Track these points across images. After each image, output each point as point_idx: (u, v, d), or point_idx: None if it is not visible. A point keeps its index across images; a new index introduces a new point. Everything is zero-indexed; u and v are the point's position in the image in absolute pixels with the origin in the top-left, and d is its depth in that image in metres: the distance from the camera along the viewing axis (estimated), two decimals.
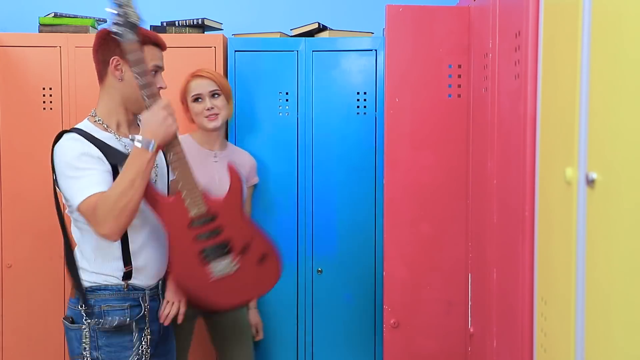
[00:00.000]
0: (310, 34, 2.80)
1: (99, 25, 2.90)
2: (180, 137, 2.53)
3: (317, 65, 2.73)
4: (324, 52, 2.73)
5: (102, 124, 1.93)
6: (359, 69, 2.72)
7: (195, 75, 2.50)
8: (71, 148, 1.86)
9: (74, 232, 1.97)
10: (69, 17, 2.82)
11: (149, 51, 1.94)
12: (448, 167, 2.24)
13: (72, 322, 1.90)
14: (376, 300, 2.73)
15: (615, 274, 1.00)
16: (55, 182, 1.95)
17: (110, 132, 1.92)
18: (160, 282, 2.00)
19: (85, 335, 1.87)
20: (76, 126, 1.94)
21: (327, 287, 2.76)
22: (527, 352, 1.52)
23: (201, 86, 2.48)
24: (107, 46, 1.93)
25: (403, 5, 2.23)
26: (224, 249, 1.95)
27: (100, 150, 1.86)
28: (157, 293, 1.99)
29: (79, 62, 2.70)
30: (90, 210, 1.77)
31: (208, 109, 2.45)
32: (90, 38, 2.73)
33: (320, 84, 2.72)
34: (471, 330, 2.17)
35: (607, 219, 1.04)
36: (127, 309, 1.90)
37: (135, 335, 1.91)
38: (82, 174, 1.81)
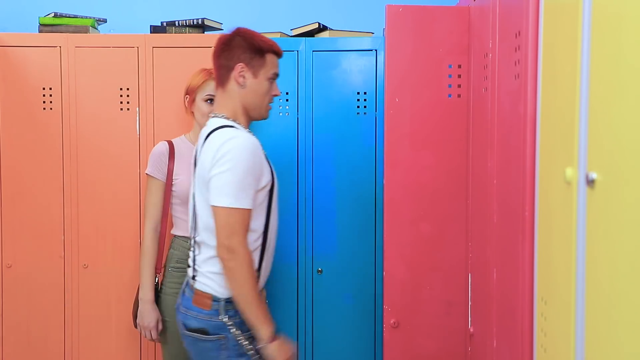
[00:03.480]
0: (310, 34, 2.80)
1: (99, 25, 2.90)
2: (176, 139, 2.53)
3: (317, 65, 2.73)
4: (324, 52, 2.73)
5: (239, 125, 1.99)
6: (359, 69, 2.72)
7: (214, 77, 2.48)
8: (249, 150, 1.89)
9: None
10: (69, 17, 2.82)
11: (271, 59, 2.02)
12: (448, 167, 2.24)
13: (208, 333, 1.90)
14: (376, 300, 2.73)
15: (616, 273, 1.00)
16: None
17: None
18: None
19: (233, 344, 1.89)
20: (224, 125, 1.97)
21: (327, 287, 2.76)
22: (527, 352, 1.52)
23: None
24: (231, 52, 2.00)
25: (403, 5, 2.23)
26: None
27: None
28: None
29: (79, 62, 2.70)
30: (238, 226, 1.84)
31: None
32: (90, 38, 2.74)
33: (320, 84, 2.72)
34: (471, 330, 2.17)
35: (607, 219, 1.04)
36: None
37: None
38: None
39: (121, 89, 2.70)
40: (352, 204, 2.74)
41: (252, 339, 1.90)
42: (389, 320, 2.28)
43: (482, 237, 1.99)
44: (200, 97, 2.44)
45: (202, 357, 1.94)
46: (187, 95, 2.48)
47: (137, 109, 2.70)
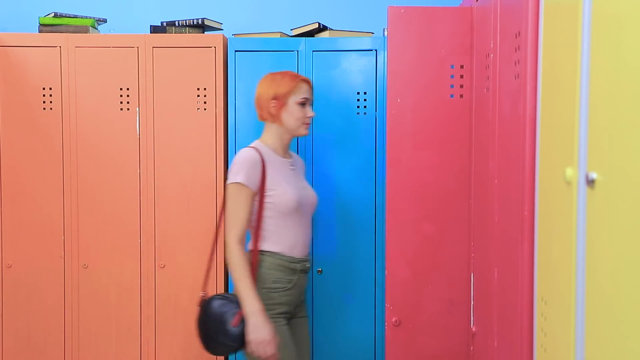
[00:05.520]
0: (310, 34, 2.80)
1: (99, 25, 2.90)
2: (259, 146, 2.30)
3: (317, 65, 2.73)
4: (324, 52, 2.73)
5: None
6: (359, 69, 2.72)
7: (303, 80, 2.35)
8: None
9: None
10: (69, 17, 2.82)
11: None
12: (451, 167, 2.24)
13: None
14: (376, 300, 2.73)
15: (615, 273, 1.00)
16: None
17: None
18: None
19: None
20: None
21: (327, 287, 2.76)
22: (526, 352, 1.52)
23: (309, 92, 2.36)
24: None
25: (405, 6, 2.23)
26: None
27: None
28: None
29: (79, 62, 2.70)
30: None
31: (308, 117, 2.34)
32: (90, 38, 2.75)
33: (320, 84, 2.72)
34: (474, 329, 2.17)
35: (607, 219, 1.04)
36: None
37: None
38: None
39: (121, 89, 2.70)
40: (352, 204, 2.75)
41: None
42: (390, 318, 2.28)
43: (483, 236, 2.00)
44: (294, 100, 2.31)
45: None
46: (274, 101, 2.31)
47: (137, 109, 2.70)
